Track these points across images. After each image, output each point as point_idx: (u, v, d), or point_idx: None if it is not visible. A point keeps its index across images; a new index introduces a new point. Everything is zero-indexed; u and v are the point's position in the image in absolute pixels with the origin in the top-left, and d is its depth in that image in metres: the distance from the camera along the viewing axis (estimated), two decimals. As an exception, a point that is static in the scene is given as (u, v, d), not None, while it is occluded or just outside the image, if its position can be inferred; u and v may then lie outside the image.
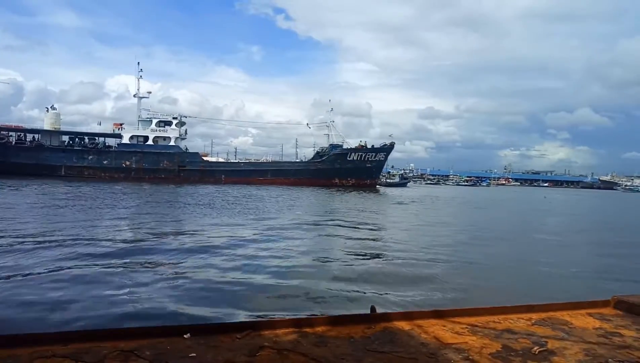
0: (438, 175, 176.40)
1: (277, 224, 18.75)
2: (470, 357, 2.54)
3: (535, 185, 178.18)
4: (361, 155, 66.36)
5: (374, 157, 67.27)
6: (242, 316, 6.71)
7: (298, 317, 3.05)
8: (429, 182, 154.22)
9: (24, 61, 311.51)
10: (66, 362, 2.24)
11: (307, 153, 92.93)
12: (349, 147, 67.92)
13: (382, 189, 68.36)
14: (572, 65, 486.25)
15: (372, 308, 3.27)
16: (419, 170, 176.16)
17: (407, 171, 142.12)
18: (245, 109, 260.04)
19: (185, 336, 2.64)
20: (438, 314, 3.28)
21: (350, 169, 65.73)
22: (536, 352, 2.65)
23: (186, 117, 65.88)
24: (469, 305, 4.39)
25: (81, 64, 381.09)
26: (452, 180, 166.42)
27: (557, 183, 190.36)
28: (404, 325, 3.05)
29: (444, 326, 3.06)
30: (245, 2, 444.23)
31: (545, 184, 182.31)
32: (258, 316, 6.61)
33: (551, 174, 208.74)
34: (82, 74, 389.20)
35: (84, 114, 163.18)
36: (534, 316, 3.40)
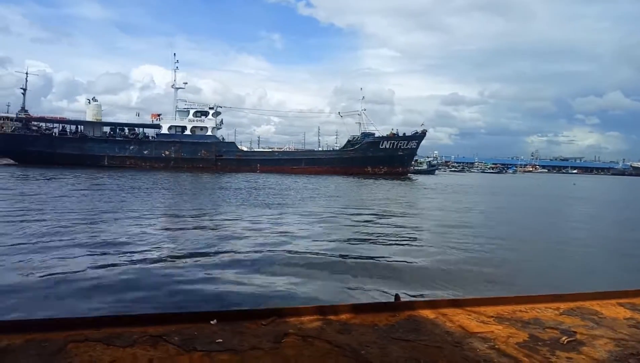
0: (463, 163, 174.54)
1: (318, 212, 18.92)
2: (496, 346, 2.50)
3: (563, 172, 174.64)
4: (393, 143, 66.29)
5: (406, 145, 67.13)
6: (267, 303, 6.71)
7: (322, 304, 3.17)
8: (453, 169, 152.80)
9: (51, 53, 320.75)
10: (98, 346, 2.30)
11: (330, 141, 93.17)
12: (380, 136, 68.04)
13: (414, 177, 68.40)
14: (601, 47, 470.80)
15: (396, 297, 3.28)
16: (443, 158, 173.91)
17: (432, 158, 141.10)
18: (267, 97, 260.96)
19: (212, 322, 2.69)
20: (463, 303, 3.24)
21: (382, 157, 65.80)
22: (564, 342, 2.59)
23: (221, 107, 67.11)
24: (494, 294, 4.34)
25: (106, 55, 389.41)
26: (477, 167, 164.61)
27: (586, 169, 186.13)
28: (428, 313, 3.02)
29: (469, 315, 3.01)
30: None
31: (574, 171, 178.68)
32: (282, 303, 6.61)
33: (580, 160, 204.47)
34: (107, 64, 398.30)
35: (110, 105, 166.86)
36: (562, 305, 3.32)
